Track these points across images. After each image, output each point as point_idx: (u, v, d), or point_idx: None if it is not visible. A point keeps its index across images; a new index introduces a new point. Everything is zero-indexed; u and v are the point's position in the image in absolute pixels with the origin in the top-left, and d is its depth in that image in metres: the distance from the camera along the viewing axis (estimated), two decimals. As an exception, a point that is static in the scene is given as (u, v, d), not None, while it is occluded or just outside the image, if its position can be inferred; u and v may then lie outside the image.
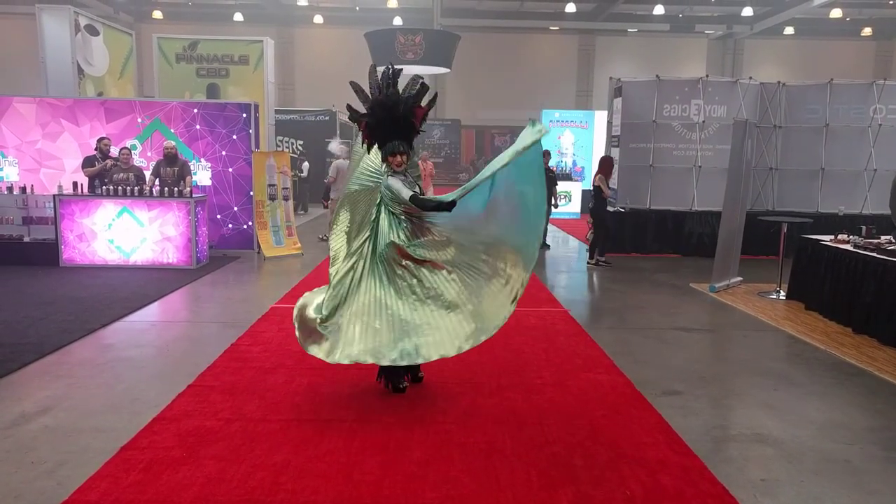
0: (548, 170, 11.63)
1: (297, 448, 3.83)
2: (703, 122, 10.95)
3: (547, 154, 11.36)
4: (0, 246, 9.02)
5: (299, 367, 5.24)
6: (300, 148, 18.57)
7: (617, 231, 10.96)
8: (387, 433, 4.06)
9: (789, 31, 24.67)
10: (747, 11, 22.60)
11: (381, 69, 4.51)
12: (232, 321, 6.57)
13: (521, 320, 6.76)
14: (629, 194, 11.12)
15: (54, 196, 8.87)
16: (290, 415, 4.31)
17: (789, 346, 6.21)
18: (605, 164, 9.94)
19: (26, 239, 9.09)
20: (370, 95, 4.45)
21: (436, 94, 4.58)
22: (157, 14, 24.94)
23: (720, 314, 7.41)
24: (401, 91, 4.39)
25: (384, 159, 4.47)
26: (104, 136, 9.48)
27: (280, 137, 18.24)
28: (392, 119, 4.37)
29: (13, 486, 3.44)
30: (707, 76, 11.36)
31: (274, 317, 6.75)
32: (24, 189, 9.18)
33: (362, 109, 4.54)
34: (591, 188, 10.09)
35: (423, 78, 4.50)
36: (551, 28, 25.37)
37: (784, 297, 7.90)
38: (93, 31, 13.34)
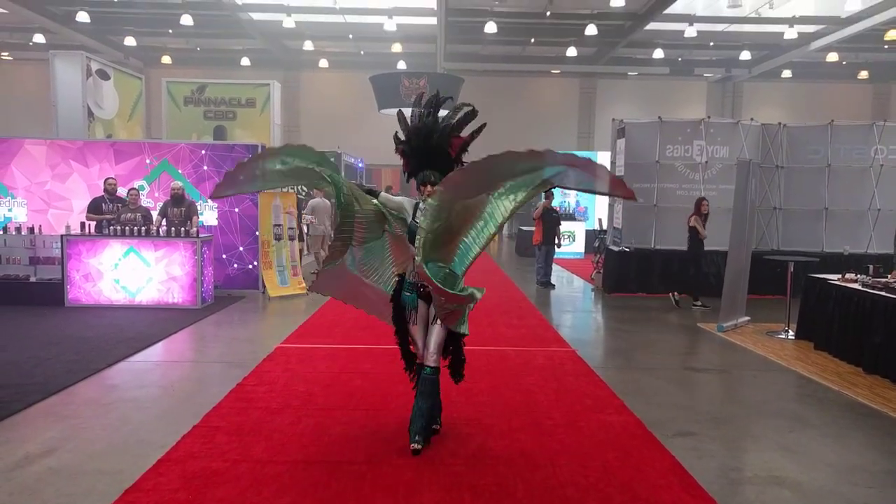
0: (552, 210, 11.70)
1: (305, 491, 3.76)
2: (706, 162, 11.04)
3: (550, 195, 11.44)
4: (6, 286, 9.02)
5: (306, 407, 5.18)
6: (305, 188, 18.69)
7: (623, 271, 10.95)
8: (397, 475, 3.99)
9: (787, 74, 25.07)
10: (745, 55, 23.02)
11: (427, 97, 4.45)
12: (237, 361, 6.52)
13: (529, 360, 6.71)
14: (634, 234, 11.14)
15: (62, 236, 8.91)
16: (297, 456, 4.24)
17: (801, 387, 6.14)
18: (697, 205, 9.89)
19: (32, 279, 9.10)
20: (410, 124, 4.39)
21: (483, 125, 4.37)
22: (167, 59, 25.42)
23: (729, 354, 7.34)
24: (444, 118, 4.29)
25: (418, 188, 4.37)
26: (111, 176, 9.56)
27: (285, 178, 18.39)
28: (426, 147, 4.29)
29: (16, 530, 3.38)
30: (709, 117, 11.50)
31: (280, 357, 6.70)
32: (31, 229, 9.22)
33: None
34: (688, 229, 9.97)
35: (470, 106, 4.31)
36: (553, 71, 25.81)
37: (793, 337, 7.84)
38: (104, 75, 13.60)
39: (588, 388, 5.82)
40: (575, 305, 10.29)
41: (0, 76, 27.54)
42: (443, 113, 4.43)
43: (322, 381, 5.87)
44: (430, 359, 4.28)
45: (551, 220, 11.69)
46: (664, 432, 4.78)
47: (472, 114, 4.30)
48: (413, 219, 4.25)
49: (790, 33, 19.91)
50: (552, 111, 26.16)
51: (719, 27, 21.03)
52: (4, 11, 20.47)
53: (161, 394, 5.61)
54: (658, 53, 22.36)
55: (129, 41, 23.28)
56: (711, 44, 22.90)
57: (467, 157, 4.35)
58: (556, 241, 11.84)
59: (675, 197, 11.05)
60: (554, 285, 11.92)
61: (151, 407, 5.26)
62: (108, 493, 3.69)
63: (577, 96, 26.54)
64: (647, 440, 4.64)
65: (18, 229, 9.25)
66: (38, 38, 23.12)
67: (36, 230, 9.23)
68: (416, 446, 4.24)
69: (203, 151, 10.22)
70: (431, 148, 4.27)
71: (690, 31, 20.17)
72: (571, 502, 3.70)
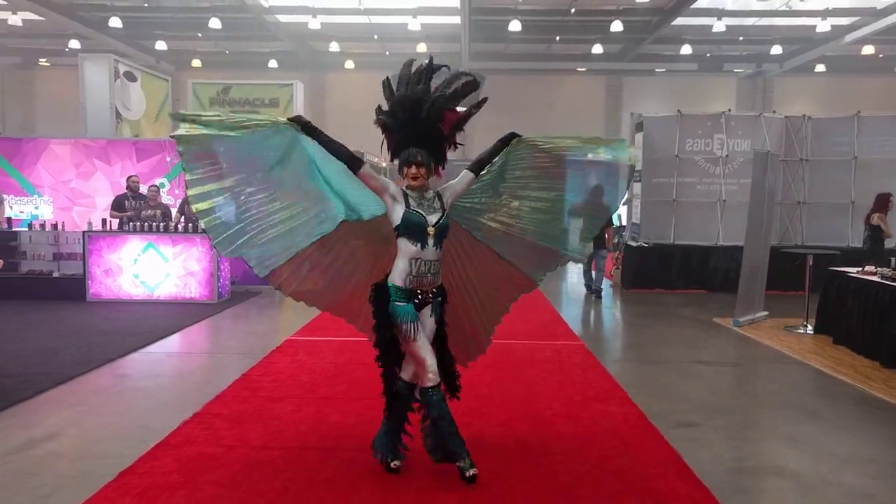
0: None
1: (296, 475, 3.79)
2: (727, 156, 10.84)
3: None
4: (31, 281, 9.28)
5: (308, 396, 5.22)
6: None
7: (641, 266, 10.81)
8: (389, 462, 3.98)
9: (820, 68, 24.45)
10: (776, 50, 22.49)
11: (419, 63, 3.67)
12: (247, 353, 6.60)
13: (536, 353, 6.66)
14: (652, 229, 10.99)
15: (83, 233, 9.13)
16: (293, 443, 4.27)
17: (815, 380, 5.98)
18: (882, 201, 8.89)
19: (55, 274, 9.34)
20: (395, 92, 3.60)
21: (484, 100, 3.72)
22: (196, 62, 25.85)
23: (743, 348, 7.19)
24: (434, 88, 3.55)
25: (400, 169, 3.62)
26: (133, 174, 9.77)
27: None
28: (413, 121, 3.51)
29: (9, 509, 3.46)
30: (729, 110, 11.28)
31: (288, 349, 6.76)
32: (55, 226, 9.47)
33: None
34: (865, 227, 9.09)
35: (470, 76, 3.62)
36: (578, 69, 25.58)
37: (811, 332, 7.64)
38: (131, 77, 13.90)
39: (593, 381, 5.75)
40: (590, 301, 10.16)
41: (39, 81, 28.37)
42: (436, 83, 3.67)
43: (326, 371, 5.91)
44: (438, 377, 3.66)
45: None
46: (666, 423, 4.70)
47: (472, 85, 3.58)
48: (410, 208, 3.54)
49: (823, 26, 19.38)
50: (578, 109, 25.92)
51: (749, 21, 20.59)
52: (42, 19, 21.03)
53: (169, 383, 5.71)
54: (686, 49, 21.99)
55: (160, 45, 23.73)
56: (741, 38, 22.44)
57: (462, 138, 3.77)
58: (607, 242, 10.50)
59: (694, 191, 10.88)
60: (599, 290, 10.38)
61: (158, 395, 5.35)
62: (104, 475, 3.74)
63: (603, 94, 26.26)
64: (646, 430, 4.57)
65: (42, 226, 9.50)
66: (74, 44, 23.67)
67: (59, 227, 9.47)
68: (474, 471, 3.60)
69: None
70: (419, 122, 3.50)
71: (719, 26, 19.76)
72: (563, 488, 3.66)
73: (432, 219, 3.55)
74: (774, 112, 11.29)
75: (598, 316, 9.30)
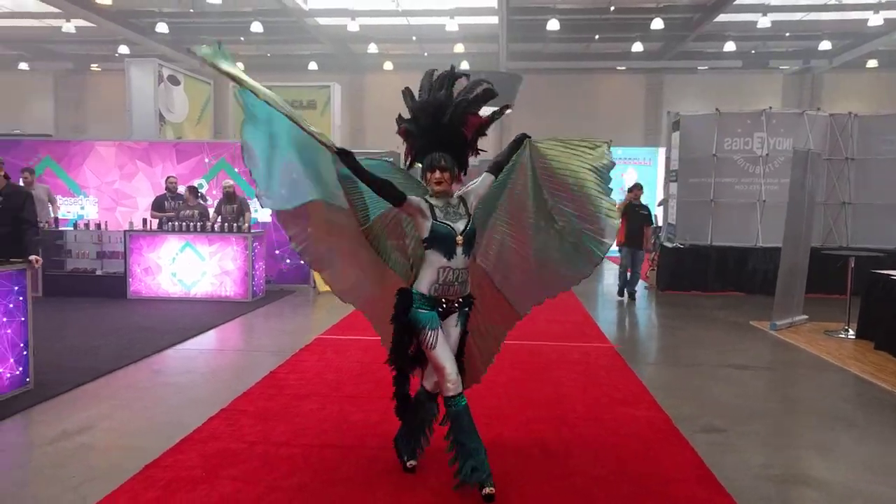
0: (640, 206, 10.18)
1: (315, 472, 3.84)
2: (767, 155, 10.56)
3: (638, 188, 10.25)
4: (76, 279, 9.61)
5: (333, 395, 5.27)
6: (364, 188, 19.10)
7: (677, 268, 10.61)
8: (407, 461, 4.01)
9: (872, 63, 23.62)
10: (825, 45, 21.81)
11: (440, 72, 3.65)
12: (277, 351, 6.70)
13: (564, 354, 6.61)
14: (688, 230, 10.78)
15: (125, 232, 9.41)
16: (314, 440, 4.32)
17: (853, 387, 5.79)
18: None
19: (99, 272, 9.65)
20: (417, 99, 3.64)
21: (505, 107, 3.74)
22: (240, 66, 26.27)
23: (780, 352, 7.00)
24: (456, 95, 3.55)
25: (423, 177, 3.62)
26: (172, 175, 10.03)
27: (346, 178, 18.78)
28: (436, 126, 3.51)
29: (35, 499, 3.59)
30: (770, 108, 10.98)
31: (317, 347, 6.85)
32: (98, 226, 9.79)
33: None
34: None
35: (489, 84, 3.61)
36: (618, 68, 25.26)
37: (853, 336, 7.39)
38: (175, 80, 14.27)
39: (619, 383, 5.67)
40: (623, 303, 10.01)
41: (90, 85, 29.36)
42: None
43: (352, 370, 5.96)
44: (459, 385, 3.57)
45: (637, 218, 10.02)
46: (691, 428, 4.61)
47: (490, 93, 3.57)
48: (436, 220, 3.48)
49: (875, 20, 18.72)
50: (617, 108, 25.60)
51: (796, 16, 20.03)
52: (93, 26, 21.78)
53: (199, 380, 5.83)
54: (729, 46, 21.49)
55: (205, 50, 24.31)
56: (787, 34, 21.82)
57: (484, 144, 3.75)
58: (645, 243, 10.07)
59: (733, 192, 10.63)
60: (634, 292, 10.14)
61: (188, 391, 5.47)
62: (131, 468, 3.85)
63: (644, 93, 25.88)
64: (670, 435, 4.49)
65: (87, 225, 9.83)
66: (123, 49, 24.45)
67: (102, 226, 9.79)
68: (489, 490, 3.46)
69: (258, 150, 10.55)
70: (442, 127, 3.50)
71: (764, 22, 19.27)
72: (578, 491, 3.63)
73: (459, 226, 3.51)
74: (819, 109, 10.94)
75: (630, 318, 9.17)
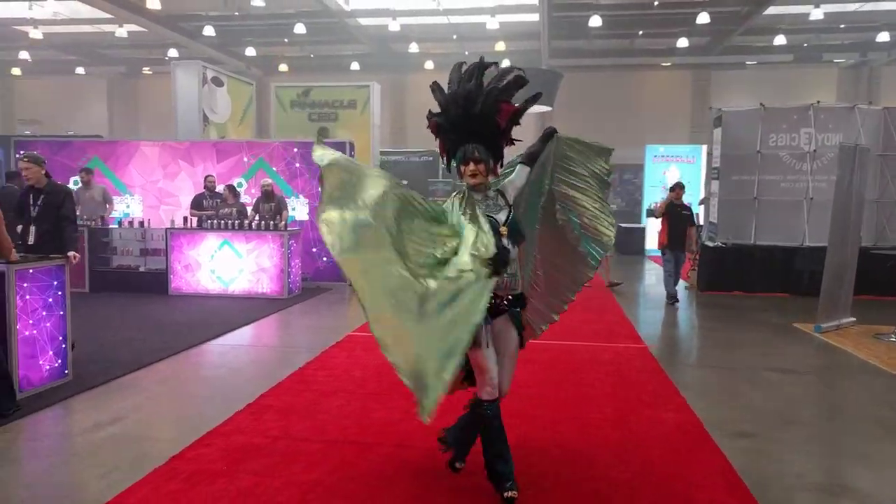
0: (682, 206, 9.55)
1: (332, 468, 3.84)
2: (815, 151, 10.16)
3: (680, 187, 9.65)
4: (120, 275, 9.89)
5: (358, 391, 5.29)
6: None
7: (719, 267, 10.31)
8: (427, 459, 3.98)
9: (935, 56, 22.59)
10: (883, 37, 20.92)
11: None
12: (307, 347, 6.75)
13: (596, 355, 6.48)
14: (730, 229, 10.46)
15: (166, 229, 9.64)
16: (335, 436, 4.33)
17: (901, 393, 5.51)
18: None
19: (142, 269, 9.91)
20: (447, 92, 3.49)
21: (537, 94, 3.58)
22: (283, 67, 26.80)
23: (824, 356, 6.72)
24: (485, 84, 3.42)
25: (458, 172, 3.48)
26: (210, 174, 10.23)
27: (386, 177, 18.87)
28: (467, 116, 3.38)
29: (67, 485, 3.71)
30: (818, 102, 10.55)
31: (347, 344, 6.88)
32: (141, 223, 10.05)
33: None
34: None
35: (520, 70, 3.48)
36: (663, 64, 24.75)
37: (904, 340, 7.06)
38: (218, 82, 14.57)
39: (650, 385, 5.53)
40: (661, 303, 9.76)
41: (142, 88, 30.27)
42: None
43: (379, 367, 5.94)
44: (497, 392, 3.45)
45: (678, 218, 9.41)
46: (723, 433, 4.45)
47: (521, 79, 3.42)
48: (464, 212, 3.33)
49: (938, 9, 17.94)
50: (662, 105, 25.07)
51: (851, 7, 19.27)
52: (144, 30, 22.43)
53: (230, 374, 5.93)
54: (780, 40, 20.81)
55: (250, 51, 24.75)
56: (842, 26, 21.03)
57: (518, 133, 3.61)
58: (688, 245, 9.55)
59: (778, 189, 10.26)
60: (677, 299, 9.59)
61: (218, 385, 5.57)
62: (156, 459, 3.92)
63: (690, 89, 25.27)
64: (700, 439, 4.35)
65: (131, 223, 10.11)
66: (172, 53, 25.11)
67: (146, 224, 10.04)
68: (511, 494, 3.40)
69: (295, 149, 10.71)
70: (474, 117, 3.38)
71: (817, 14, 18.57)
72: (598, 495, 3.54)
73: (501, 217, 3.39)
74: (870, 103, 10.48)
75: (667, 318, 8.93)
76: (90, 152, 11.13)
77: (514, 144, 3.61)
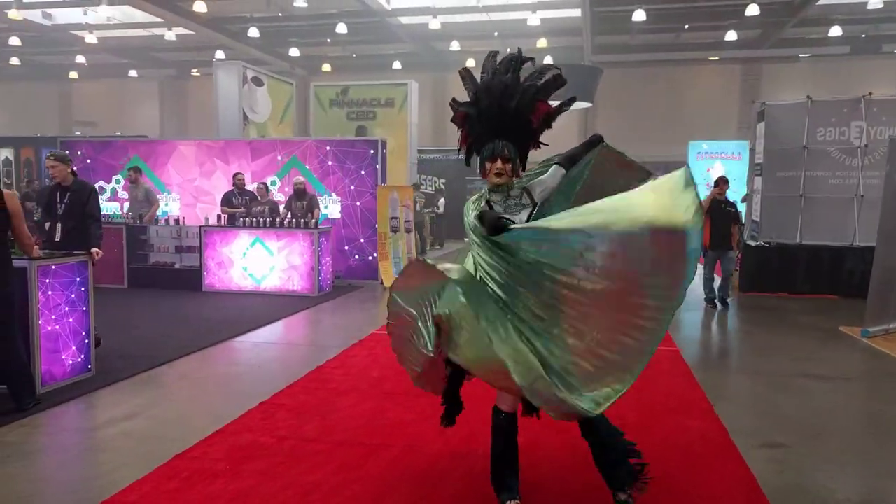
0: (725, 202, 9.06)
1: (336, 470, 3.76)
2: (867, 145, 9.64)
3: (724, 182, 9.07)
4: (157, 272, 10.08)
5: (372, 391, 5.21)
6: (442, 186, 19.08)
7: (761, 268, 9.89)
8: (432, 463, 3.88)
9: None
10: (948, 26, 19.92)
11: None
12: (331, 345, 6.71)
13: (623, 358, 6.24)
14: (774, 227, 10.02)
15: (200, 227, 9.77)
16: (342, 437, 4.26)
17: (952, 404, 5.14)
18: None
19: (177, 266, 10.08)
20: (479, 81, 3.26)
21: (572, 98, 3.35)
22: (327, 67, 27.05)
23: (869, 362, 6.34)
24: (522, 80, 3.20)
25: (481, 168, 3.23)
26: (239, 172, 10.33)
27: (424, 176, 18.85)
28: (500, 111, 3.15)
29: (71, 482, 3.72)
30: (870, 94, 10.01)
31: (369, 342, 6.82)
32: (177, 221, 10.22)
33: None
34: None
35: (558, 69, 3.28)
36: (711, 58, 24.04)
37: (961, 347, 6.61)
38: (258, 82, 14.76)
39: (677, 390, 5.29)
40: (699, 304, 9.40)
41: (190, 90, 31.03)
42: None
43: (397, 366, 5.83)
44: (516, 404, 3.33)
45: (723, 216, 8.87)
46: (749, 442, 4.21)
47: (560, 79, 3.22)
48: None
49: None
50: (710, 101, 24.37)
51: (912, -5, 18.36)
52: (192, 33, 22.96)
53: (249, 371, 5.93)
54: (835, 31, 19.94)
55: (294, 52, 25.07)
56: (902, 15, 20.06)
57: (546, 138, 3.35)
58: (732, 244, 8.93)
59: (826, 186, 9.77)
60: (726, 299, 9.06)
61: (236, 383, 5.57)
62: (163, 456, 3.91)
63: (739, 84, 24.50)
64: (724, 448, 4.12)
65: (167, 221, 10.29)
66: (219, 55, 25.64)
67: (181, 221, 10.21)
68: (516, 500, 3.28)
69: (328, 147, 10.73)
70: (507, 112, 3.13)
71: (875, 2, 17.72)
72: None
73: (521, 217, 3.14)
74: (929, 95, 9.91)
75: (704, 320, 8.60)
76: (131, 152, 11.40)
77: (540, 148, 3.38)
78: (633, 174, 3.54)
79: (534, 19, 20.09)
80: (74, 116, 32.27)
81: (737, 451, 4.07)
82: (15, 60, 27.72)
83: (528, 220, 3.15)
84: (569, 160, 3.47)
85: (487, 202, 3.21)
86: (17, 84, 32.11)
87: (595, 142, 3.59)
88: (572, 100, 3.37)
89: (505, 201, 3.19)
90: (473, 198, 3.28)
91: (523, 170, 3.35)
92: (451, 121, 3.39)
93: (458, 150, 3.39)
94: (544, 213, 3.28)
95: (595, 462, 3.28)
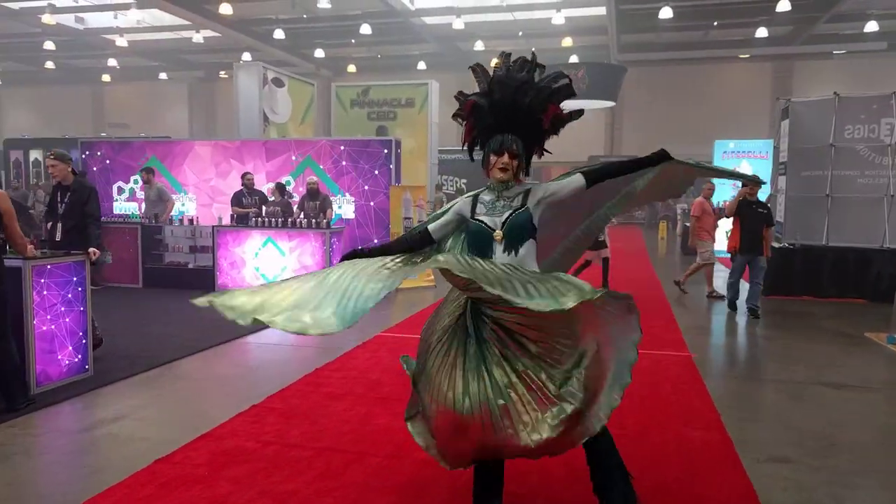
0: (756, 203, 8.54)
1: (315, 478, 3.65)
2: (898, 144, 9.24)
3: (752, 182, 8.63)
4: (171, 271, 10.12)
5: (368, 395, 5.09)
6: (464, 186, 18.94)
7: (784, 270, 9.53)
8: (416, 472, 3.73)
9: None
10: None
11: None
12: (335, 346, 6.58)
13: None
14: (799, 228, 9.65)
15: (213, 227, 9.78)
16: (327, 443, 4.14)
17: (980, 417, 4.82)
18: None
19: (191, 266, 10.10)
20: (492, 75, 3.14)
21: (581, 111, 3.27)
22: (352, 68, 27.11)
23: (894, 370, 6.02)
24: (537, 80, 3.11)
25: (485, 163, 3.08)
26: (248, 172, 10.31)
27: (446, 176, 18.73)
28: (513, 104, 3.02)
29: (48, 485, 3.67)
30: (901, 90, 9.60)
31: (373, 344, 6.71)
32: (191, 221, 10.25)
33: None
34: None
35: (569, 79, 3.21)
36: (741, 56, 23.48)
37: None
38: (279, 83, 14.79)
39: (684, 399, 5.07)
40: (718, 308, 9.08)
41: (218, 91, 31.40)
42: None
43: (397, 370, 5.70)
44: None
45: (754, 218, 8.30)
46: (754, 455, 3.98)
47: (571, 90, 3.14)
48: (474, 217, 3.04)
49: None
50: (740, 100, 23.81)
51: (953, -11, 17.71)
52: (219, 35, 23.23)
53: (246, 374, 5.85)
54: (871, 26, 19.36)
55: (319, 53, 25.19)
56: (943, 10, 19.35)
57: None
58: (766, 248, 8.40)
59: (855, 186, 9.37)
60: (756, 308, 8.32)
61: (230, 385, 5.49)
62: (146, 460, 3.83)
63: (770, 81, 23.90)
64: (725, 462, 3.90)
65: (181, 221, 10.33)
66: (246, 56, 25.91)
67: (195, 221, 10.23)
68: None
69: (342, 147, 10.67)
70: (520, 107, 3.02)
71: (913, -3, 17.21)
72: (594, 520, 3.18)
73: (503, 217, 2.95)
74: (966, 91, 9.45)
75: (720, 324, 8.29)
76: (149, 152, 11.48)
77: (542, 155, 3.23)
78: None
79: (558, 18, 19.87)
80: (107, 119, 32.93)
81: (740, 463, 3.85)
82: (49, 64, 28.39)
83: (505, 221, 2.96)
84: (599, 174, 3.20)
85: (475, 198, 3.09)
86: (51, 87, 32.90)
87: (655, 160, 3.31)
88: (581, 111, 3.25)
89: (495, 202, 3.02)
90: (465, 198, 3.16)
91: (525, 174, 3.16)
92: (455, 115, 3.23)
93: (463, 144, 3.23)
94: (537, 214, 3.07)
95: (591, 478, 3.17)
